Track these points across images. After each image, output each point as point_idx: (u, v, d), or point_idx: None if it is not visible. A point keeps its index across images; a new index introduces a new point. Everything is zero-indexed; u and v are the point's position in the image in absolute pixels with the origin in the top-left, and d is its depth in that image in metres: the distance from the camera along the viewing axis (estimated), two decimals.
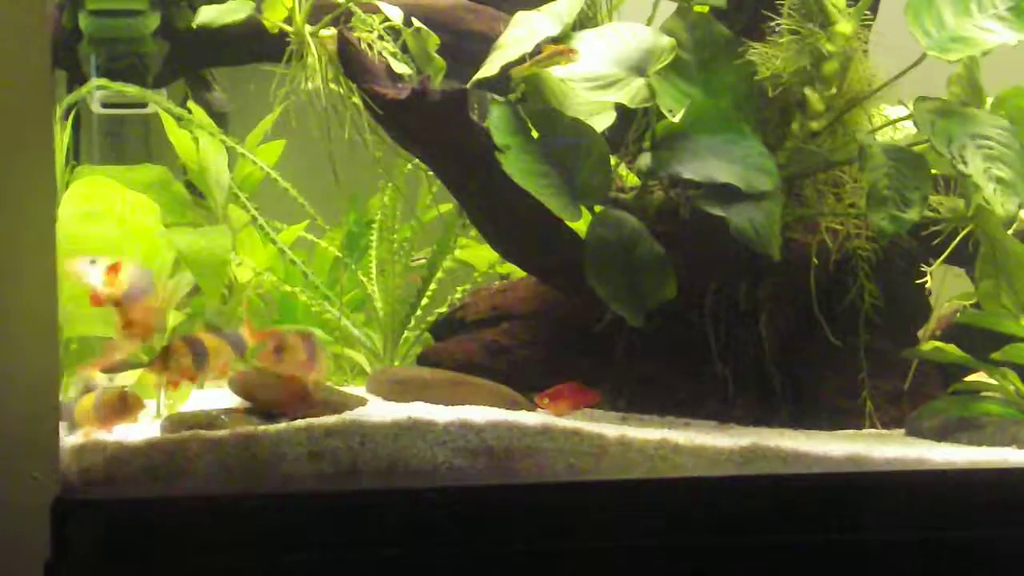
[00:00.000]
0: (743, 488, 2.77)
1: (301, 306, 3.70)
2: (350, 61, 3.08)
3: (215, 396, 3.05)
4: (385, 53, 3.12)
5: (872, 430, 3.22)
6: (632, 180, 3.24)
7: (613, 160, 3.12)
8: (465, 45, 3.33)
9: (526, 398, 3.12)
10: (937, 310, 3.39)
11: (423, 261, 3.68)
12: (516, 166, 2.99)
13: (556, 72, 3.09)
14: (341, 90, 3.12)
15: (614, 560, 2.67)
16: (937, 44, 3.08)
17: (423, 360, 3.37)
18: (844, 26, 3.11)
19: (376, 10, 3.15)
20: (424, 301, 3.65)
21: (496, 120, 3.04)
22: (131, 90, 3.52)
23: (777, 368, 3.24)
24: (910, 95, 3.10)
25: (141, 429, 2.84)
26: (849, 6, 3.14)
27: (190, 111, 3.65)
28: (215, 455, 2.72)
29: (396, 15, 3.17)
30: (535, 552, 2.66)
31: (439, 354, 3.35)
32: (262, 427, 2.78)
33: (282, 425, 2.78)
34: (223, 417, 2.87)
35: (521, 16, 3.21)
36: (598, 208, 3.08)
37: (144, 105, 3.59)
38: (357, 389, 3.26)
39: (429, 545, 2.64)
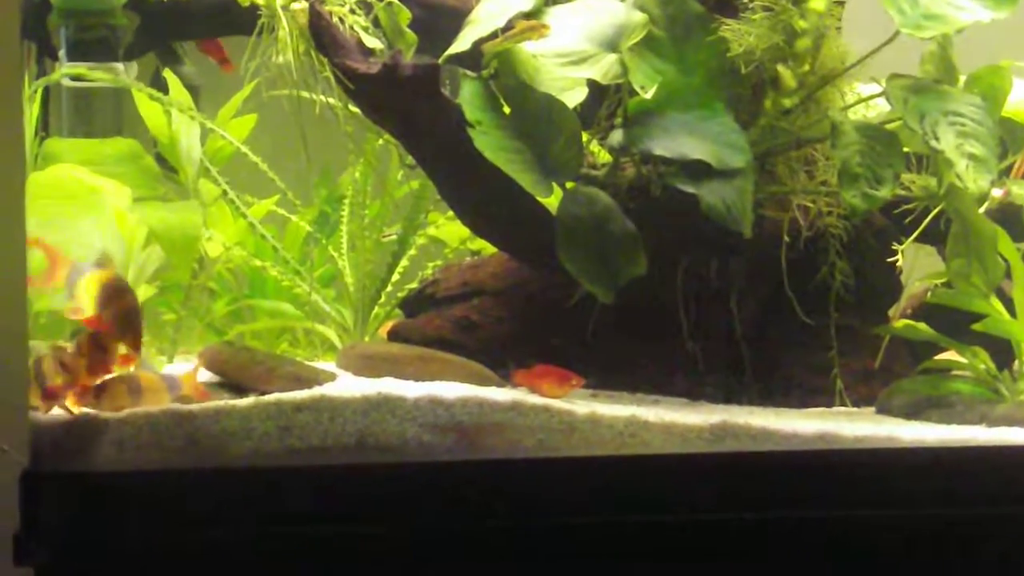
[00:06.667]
0: (713, 465, 2.77)
1: (271, 281, 3.69)
2: (321, 35, 3.06)
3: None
4: (357, 27, 3.11)
5: (842, 408, 3.22)
6: (604, 157, 3.24)
7: (585, 136, 3.11)
8: (438, 20, 3.32)
9: (497, 374, 3.11)
10: (908, 289, 3.40)
11: (394, 236, 3.67)
12: (487, 142, 2.99)
13: (528, 47, 3.09)
14: (313, 64, 3.11)
15: (586, 536, 2.68)
16: (911, 21, 3.07)
17: (393, 336, 3.36)
18: (817, 3, 3.11)
19: None
20: (395, 277, 3.64)
21: (468, 95, 3.03)
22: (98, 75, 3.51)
23: (747, 346, 3.24)
24: (883, 73, 3.10)
25: None
26: None
27: (166, 82, 3.63)
28: (185, 429, 2.71)
29: None
30: (506, 528, 2.66)
31: (409, 330, 3.34)
32: (231, 402, 2.78)
33: (251, 400, 2.77)
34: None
35: None
36: (570, 184, 3.07)
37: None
38: (327, 364, 3.25)
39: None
